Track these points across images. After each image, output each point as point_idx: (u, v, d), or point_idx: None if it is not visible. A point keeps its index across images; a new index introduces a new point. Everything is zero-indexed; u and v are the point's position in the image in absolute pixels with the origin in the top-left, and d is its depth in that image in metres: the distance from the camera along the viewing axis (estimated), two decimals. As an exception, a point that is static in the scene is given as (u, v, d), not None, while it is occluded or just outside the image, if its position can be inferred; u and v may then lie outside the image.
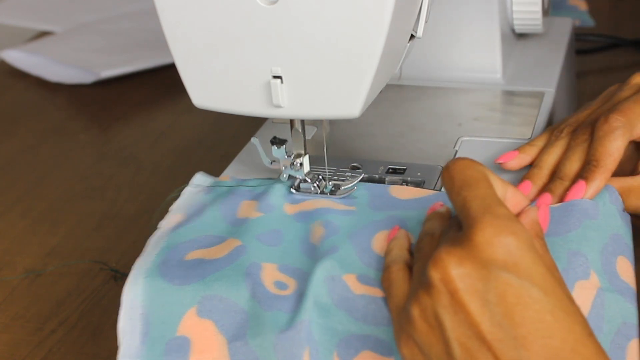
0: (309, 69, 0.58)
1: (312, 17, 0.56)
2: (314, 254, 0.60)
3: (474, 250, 0.48)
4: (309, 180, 0.65)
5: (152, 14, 0.62)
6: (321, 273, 0.57)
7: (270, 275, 0.58)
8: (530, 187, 0.63)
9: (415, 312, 0.50)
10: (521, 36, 0.89)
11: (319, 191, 0.65)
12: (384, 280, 0.55)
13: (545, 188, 0.62)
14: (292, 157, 0.65)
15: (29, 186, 0.92)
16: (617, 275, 0.56)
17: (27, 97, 1.12)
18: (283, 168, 0.66)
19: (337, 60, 0.57)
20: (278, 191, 0.65)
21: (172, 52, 0.61)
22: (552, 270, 0.50)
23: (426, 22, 0.64)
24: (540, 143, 0.67)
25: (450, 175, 0.52)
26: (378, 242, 0.60)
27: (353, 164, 0.69)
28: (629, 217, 0.60)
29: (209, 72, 0.61)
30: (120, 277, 0.75)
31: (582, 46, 1.07)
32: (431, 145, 0.72)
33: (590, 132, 0.63)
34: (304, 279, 0.58)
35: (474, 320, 0.47)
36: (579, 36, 1.06)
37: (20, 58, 1.18)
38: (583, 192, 0.60)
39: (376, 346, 0.55)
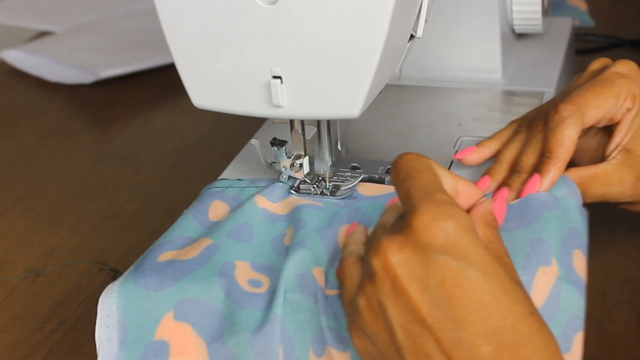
0: (309, 69, 0.58)
1: (312, 17, 0.56)
2: (284, 251, 0.61)
3: (413, 236, 0.48)
4: (309, 181, 0.65)
5: (152, 14, 0.62)
6: (291, 269, 0.57)
7: (244, 273, 0.59)
8: (489, 182, 0.63)
9: (362, 302, 0.50)
10: (521, 36, 0.89)
11: (319, 192, 0.65)
12: (338, 274, 0.56)
13: (504, 182, 0.62)
14: (291, 158, 0.65)
15: (29, 186, 0.92)
16: (572, 268, 0.56)
17: (27, 97, 1.12)
18: (283, 169, 0.66)
19: (337, 60, 0.57)
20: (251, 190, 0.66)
21: (172, 52, 0.61)
22: (501, 255, 0.50)
23: (426, 22, 0.64)
24: (501, 135, 0.67)
25: (396, 168, 0.53)
26: (343, 236, 0.60)
27: (353, 164, 0.69)
28: (586, 214, 0.60)
29: (209, 72, 0.61)
30: (120, 277, 0.75)
31: (582, 46, 1.07)
32: (431, 145, 0.72)
33: (544, 123, 0.63)
34: (276, 276, 0.58)
35: (414, 304, 0.48)
36: (579, 36, 1.06)
37: (20, 58, 1.18)
38: (538, 185, 0.60)
39: (334, 341, 0.55)
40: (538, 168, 0.61)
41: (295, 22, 0.57)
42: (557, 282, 0.55)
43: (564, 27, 0.91)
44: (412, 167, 0.52)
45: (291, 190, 0.65)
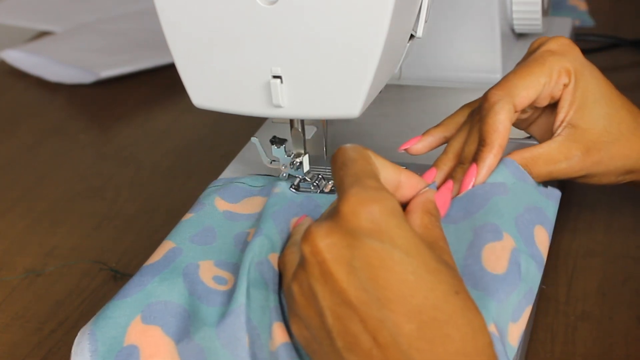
0: (309, 69, 0.58)
1: (312, 17, 0.56)
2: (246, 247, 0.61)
3: (340, 220, 0.49)
4: (309, 180, 0.66)
5: (152, 14, 0.62)
6: (252, 258, 0.58)
7: (208, 271, 0.59)
8: (435, 173, 0.63)
9: (295, 288, 0.51)
10: (521, 36, 0.89)
11: (319, 190, 0.65)
12: (279, 263, 0.57)
13: (450, 173, 0.62)
14: (291, 157, 0.65)
15: (29, 186, 0.92)
16: (533, 242, 0.57)
17: (27, 97, 1.12)
18: (283, 167, 0.66)
19: (337, 60, 0.57)
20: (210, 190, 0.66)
21: (172, 52, 0.61)
22: (436, 240, 0.52)
23: (426, 22, 0.64)
24: (448, 122, 0.66)
25: (333, 158, 0.53)
26: (292, 229, 0.61)
27: (353, 164, 0.69)
28: (557, 193, 0.60)
29: (209, 72, 0.61)
30: (120, 277, 0.75)
31: (582, 46, 1.06)
32: (431, 145, 0.72)
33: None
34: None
35: (341, 287, 0.48)
36: (579, 36, 1.06)
37: (20, 58, 1.18)
38: (475, 174, 0.60)
39: (278, 315, 0.56)
40: (475, 157, 0.61)
41: (295, 22, 0.57)
42: (514, 252, 0.55)
43: (564, 27, 0.91)
44: (347, 157, 0.53)
45: (290, 188, 0.65)
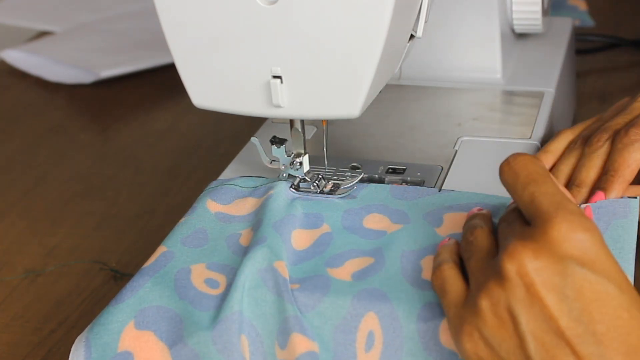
0: (309, 69, 0.58)
1: (311, 17, 0.56)
2: (240, 250, 0.61)
3: (549, 244, 0.48)
4: (309, 180, 0.66)
5: (152, 14, 0.62)
6: (253, 265, 0.58)
7: (199, 274, 0.59)
8: None
9: (485, 304, 0.49)
10: (521, 36, 0.89)
11: (319, 190, 0.65)
12: (435, 279, 0.55)
13: None
14: (291, 157, 0.65)
15: (29, 186, 0.92)
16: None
17: (27, 97, 1.12)
18: (282, 167, 0.66)
19: (337, 60, 0.57)
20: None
21: (172, 52, 0.61)
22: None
23: (426, 22, 0.64)
24: (553, 149, 0.68)
25: (513, 170, 0.52)
26: (296, 238, 0.61)
27: (353, 164, 0.69)
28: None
29: (209, 72, 0.61)
30: (120, 277, 0.75)
31: (582, 46, 1.07)
32: (431, 145, 0.72)
33: (605, 139, 0.64)
34: (233, 274, 0.58)
35: (551, 314, 0.47)
36: (579, 36, 1.06)
37: (20, 58, 1.18)
38: (602, 199, 0.60)
39: (304, 329, 0.55)
40: (601, 185, 0.62)
41: (295, 22, 0.57)
42: None
43: (564, 27, 0.91)
44: (532, 171, 0.51)
45: (290, 189, 0.65)
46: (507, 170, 0.53)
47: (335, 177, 0.67)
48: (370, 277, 0.57)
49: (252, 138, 0.67)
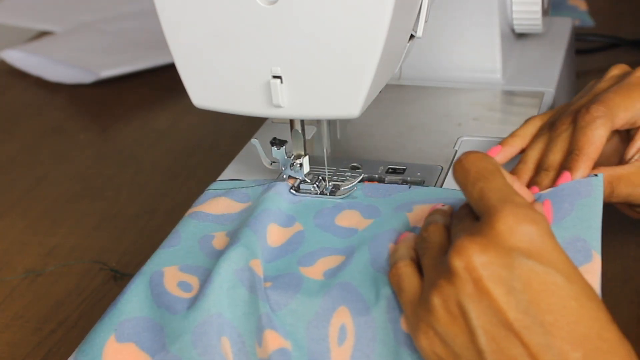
0: (309, 69, 0.58)
1: (312, 17, 0.56)
2: (214, 253, 0.61)
3: (496, 238, 0.48)
4: (309, 181, 0.66)
5: (152, 14, 0.62)
6: (229, 266, 0.58)
7: (172, 277, 0.59)
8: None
9: (437, 301, 0.50)
10: (521, 36, 0.89)
11: (319, 191, 0.65)
12: (392, 276, 0.55)
13: (531, 181, 0.63)
14: (291, 158, 0.65)
15: (29, 186, 0.92)
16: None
17: (27, 97, 1.12)
18: (283, 169, 0.66)
19: (337, 60, 0.57)
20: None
21: (172, 52, 0.61)
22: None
23: (426, 22, 0.64)
24: (522, 133, 0.67)
25: (463, 167, 0.53)
26: (271, 233, 0.61)
27: (353, 164, 0.69)
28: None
29: (209, 72, 0.61)
30: (120, 277, 0.75)
31: (582, 46, 1.07)
32: (431, 145, 0.72)
33: (569, 122, 0.64)
34: (206, 276, 0.59)
35: (499, 307, 0.47)
36: (579, 36, 1.06)
37: (20, 58, 1.18)
38: (568, 180, 0.60)
39: (275, 327, 0.56)
40: (567, 165, 0.61)
41: (295, 22, 0.57)
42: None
43: (564, 27, 0.91)
44: (482, 167, 0.52)
45: (291, 190, 0.65)
46: (458, 169, 0.53)
47: (335, 178, 0.67)
48: (340, 273, 0.57)
49: (252, 139, 0.67)
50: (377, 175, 0.68)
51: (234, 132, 0.96)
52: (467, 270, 0.48)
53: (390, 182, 0.67)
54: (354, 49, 0.57)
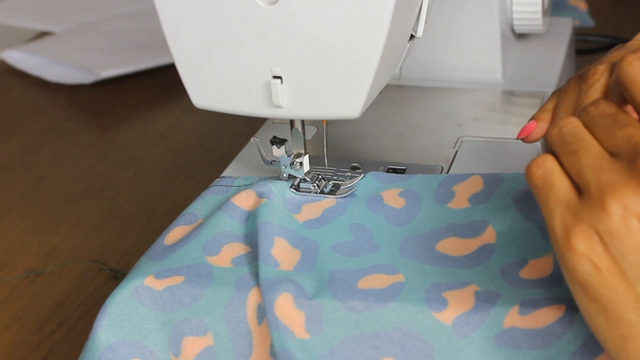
0: (309, 69, 0.58)
1: (312, 17, 0.56)
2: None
3: None
4: (309, 180, 0.66)
5: (152, 14, 0.62)
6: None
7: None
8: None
9: (615, 207, 0.44)
10: (521, 36, 0.89)
11: (319, 191, 0.65)
12: (536, 168, 0.48)
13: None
14: (292, 157, 0.65)
15: (29, 186, 0.92)
16: None
17: (27, 97, 1.12)
18: (283, 167, 0.66)
19: (337, 61, 0.57)
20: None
21: (172, 52, 0.61)
22: None
23: (426, 22, 0.64)
24: (550, 106, 0.61)
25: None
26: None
27: (353, 164, 0.69)
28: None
29: (209, 72, 0.61)
30: (120, 277, 0.75)
31: (582, 46, 1.07)
32: (431, 145, 0.72)
33: (602, 71, 0.56)
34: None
35: None
36: (579, 36, 1.06)
37: (20, 58, 1.18)
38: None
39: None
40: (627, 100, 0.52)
41: (295, 22, 0.57)
42: None
43: (564, 27, 0.91)
44: None
45: (291, 189, 0.65)
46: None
47: (335, 178, 0.67)
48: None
49: (253, 138, 0.67)
50: (377, 175, 0.68)
51: (234, 132, 0.96)
52: None
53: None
54: (355, 50, 0.57)
